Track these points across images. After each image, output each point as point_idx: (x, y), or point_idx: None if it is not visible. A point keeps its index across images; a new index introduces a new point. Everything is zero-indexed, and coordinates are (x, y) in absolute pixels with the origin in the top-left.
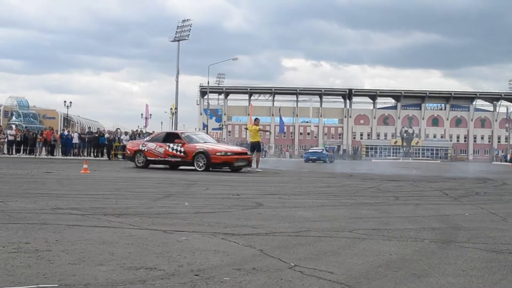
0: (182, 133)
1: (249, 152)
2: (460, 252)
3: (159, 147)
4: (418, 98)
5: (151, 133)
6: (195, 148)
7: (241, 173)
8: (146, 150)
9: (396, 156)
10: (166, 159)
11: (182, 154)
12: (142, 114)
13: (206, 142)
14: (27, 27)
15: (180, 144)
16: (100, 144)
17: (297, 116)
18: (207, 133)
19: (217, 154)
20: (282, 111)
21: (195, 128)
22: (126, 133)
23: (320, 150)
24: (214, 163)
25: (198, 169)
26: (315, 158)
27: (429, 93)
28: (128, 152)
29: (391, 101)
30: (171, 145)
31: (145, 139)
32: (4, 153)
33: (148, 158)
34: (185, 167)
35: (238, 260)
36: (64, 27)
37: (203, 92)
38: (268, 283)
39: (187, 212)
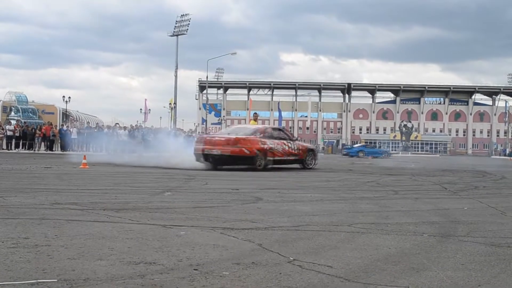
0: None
1: None
2: (459, 246)
3: (282, 145)
4: (417, 92)
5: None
6: (306, 146)
7: (240, 168)
8: (274, 148)
9: (395, 150)
10: (286, 158)
11: (298, 151)
12: (141, 109)
13: None
14: (26, 22)
15: (292, 141)
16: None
17: (296, 110)
18: (206, 128)
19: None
20: (281, 106)
21: (194, 123)
22: (125, 128)
23: (349, 147)
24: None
25: (307, 167)
26: (345, 153)
27: (428, 87)
28: (248, 151)
29: (390, 96)
30: (287, 142)
31: (256, 135)
32: (3, 149)
33: (275, 158)
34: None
35: (237, 255)
36: (63, 22)
37: (202, 87)
38: (267, 277)
39: (186, 207)
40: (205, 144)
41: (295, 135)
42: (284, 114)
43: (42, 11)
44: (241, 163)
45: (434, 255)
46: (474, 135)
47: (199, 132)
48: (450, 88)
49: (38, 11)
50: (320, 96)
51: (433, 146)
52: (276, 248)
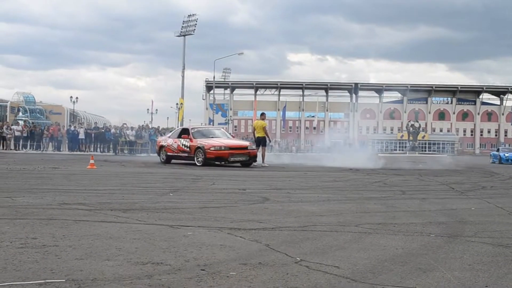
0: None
1: (253, 146)
2: (466, 246)
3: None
4: (424, 92)
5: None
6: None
7: (247, 167)
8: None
9: (402, 150)
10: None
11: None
12: (148, 109)
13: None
14: (34, 23)
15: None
16: (107, 139)
17: (303, 110)
18: None
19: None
20: (288, 106)
21: (201, 123)
22: (132, 128)
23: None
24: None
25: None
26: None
27: (436, 87)
28: None
29: (397, 95)
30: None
31: None
32: (11, 149)
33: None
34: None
35: (244, 255)
36: (70, 23)
37: (209, 87)
38: (274, 277)
39: (193, 207)
40: None
41: (302, 135)
42: (291, 114)
43: (50, 12)
44: None
45: (441, 255)
46: (481, 135)
47: None
48: (457, 87)
49: (46, 12)
50: (327, 96)
51: (441, 146)
52: (283, 249)
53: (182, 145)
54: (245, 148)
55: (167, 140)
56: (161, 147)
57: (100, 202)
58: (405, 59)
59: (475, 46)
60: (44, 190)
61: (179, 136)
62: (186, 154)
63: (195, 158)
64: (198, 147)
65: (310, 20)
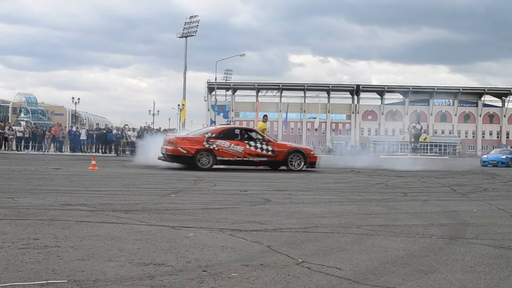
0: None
1: None
2: (468, 248)
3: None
4: (426, 94)
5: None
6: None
7: (248, 169)
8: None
9: (404, 152)
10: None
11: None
12: (149, 110)
13: None
14: (36, 24)
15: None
16: (108, 140)
17: (304, 112)
18: None
19: None
20: (290, 107)
21: (202, 125)
22: (133, 129)
23: None
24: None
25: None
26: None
27: (437, 89)
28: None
29: (399, 97)
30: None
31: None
32: (13, 150)
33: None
34: None
35: (246, 256)
36: (72, 24)
37: (211, 88)
38: (276, 279)
39: (194, 208)
40: None
41: (303, 137)
42: (292, 115)
43: (53, 13)
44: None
45: (443, 257)
46: (483, 137)
47: None
48: (459, 89)
49: (48, 13)
50: (328, 97)
51: (442, 147)
52: (284, 250)
53: (259, 148)
54: None
55: (214, 142)
56: (202, 150)
57: (102, 203)
58: (406, 61)
59: (477, 48)
60: (46, 191)
61: (244, 138)
62: (264, 159)
63: (290, 163)
64: (296, 151)
65: (312, 22)
